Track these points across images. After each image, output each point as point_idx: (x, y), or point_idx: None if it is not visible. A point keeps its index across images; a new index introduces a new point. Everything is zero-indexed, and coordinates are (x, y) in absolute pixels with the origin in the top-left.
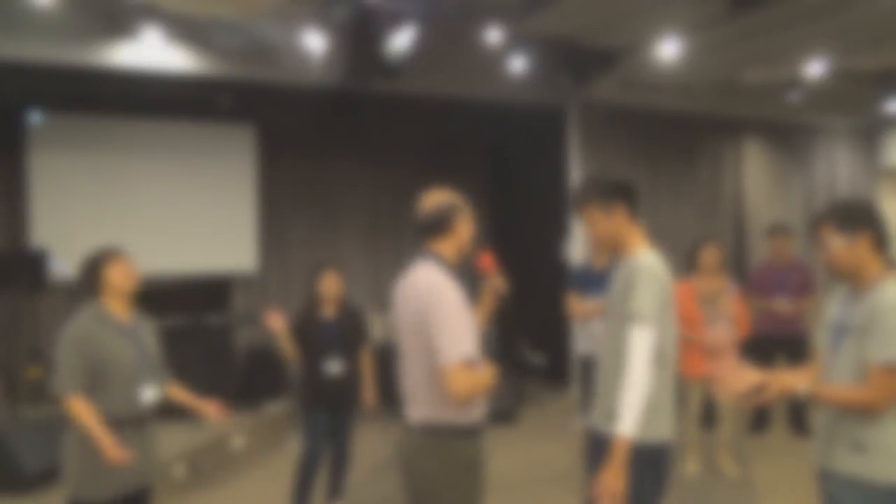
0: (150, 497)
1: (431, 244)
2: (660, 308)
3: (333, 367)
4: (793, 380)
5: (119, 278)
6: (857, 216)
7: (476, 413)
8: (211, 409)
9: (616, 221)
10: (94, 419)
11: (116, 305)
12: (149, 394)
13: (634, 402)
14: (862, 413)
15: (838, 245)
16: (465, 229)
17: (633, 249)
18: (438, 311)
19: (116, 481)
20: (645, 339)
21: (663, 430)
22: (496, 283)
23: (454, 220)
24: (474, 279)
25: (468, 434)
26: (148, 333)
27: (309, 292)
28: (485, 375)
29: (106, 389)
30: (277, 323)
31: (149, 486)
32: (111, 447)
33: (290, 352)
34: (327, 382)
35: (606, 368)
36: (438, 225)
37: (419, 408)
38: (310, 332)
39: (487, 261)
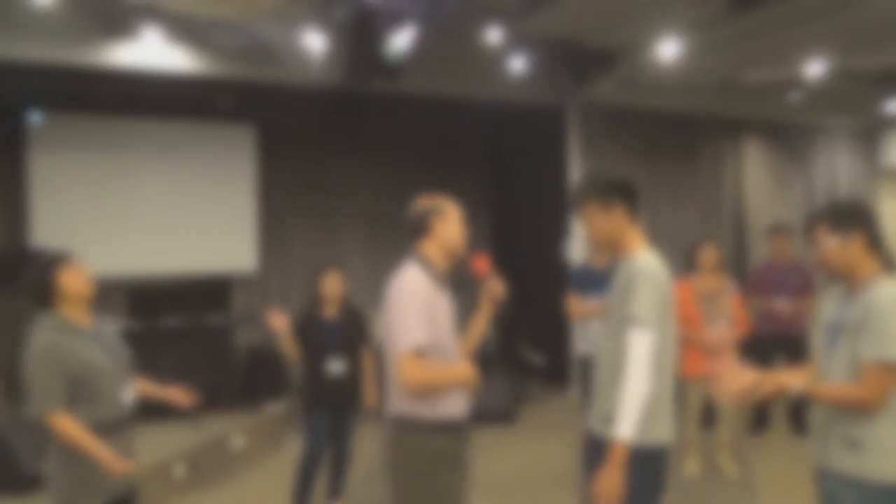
0: (137, 498)
1: (417, 246)
2: (659, 310)
3: (335, 366)
4: (787, 378)
5: (75, 284)
6: (850, 216)
7: (451, 408)
8: (179, 396)
9: (615, 221)
10: (83, 433)
11: (75, 312)
12: (127, 394)
13: (633, 406)
14: (856, 411)
15: (832, 245)
16: (446, 230)
17: (632, 249)
18: (396, 305)
19: (104, 489)
20: (644, 342)
21: (662, 433)
22: (493, 286)
23: (431, 222)
24: (473, 284)
25: (441, 429)
26: (111, 333)
27: (310, 292)
28: (450, 371)
29: (91, 398)
30: (280, 323)
31: (135, 487)
32: (109, 459)
33: (292, 351)
34: (329, 382)
35: (604, 370)
36: (417, 227)
37: (394, 402)
38: (312, 331)
39: (482, 264)
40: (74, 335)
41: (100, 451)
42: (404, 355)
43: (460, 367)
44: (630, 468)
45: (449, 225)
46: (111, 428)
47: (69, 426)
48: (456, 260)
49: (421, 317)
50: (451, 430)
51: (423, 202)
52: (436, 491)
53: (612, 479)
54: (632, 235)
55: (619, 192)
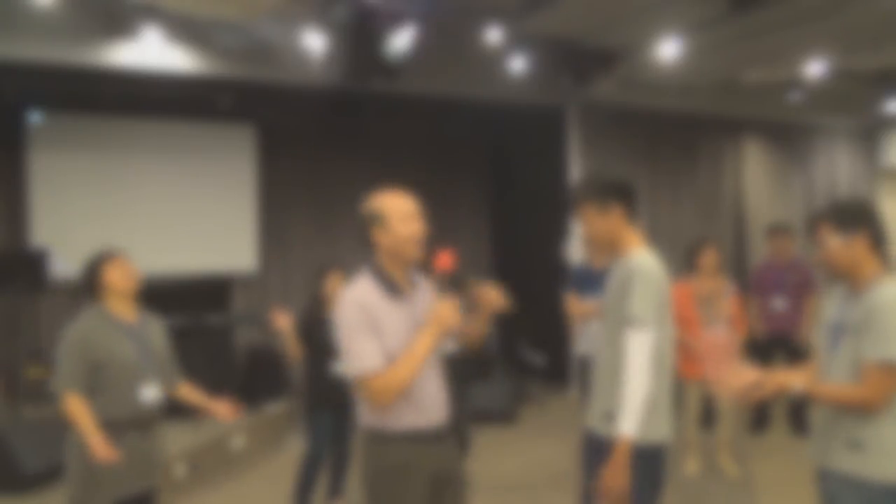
0: (155, 500)
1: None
2: (657, 309)
3: (339, 367)
4: (789, 378)
5: (117, 279)
6: (853, 215)
7: (409, 419)
8: (223, 410)
9: (612, 221)
10: (87, 418)
11: (119, 306)
12: (150, 393)
13: (635, 404)
14: (857, 411)
15: (835, 244)
16: (388, 239)
17: (630, 249)
18: (339, 326)
19: (118, 484)
20: (643, 341)
21: (660, 431)
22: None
23: (370, 235)
24: (459, 282)
25: (400, 440)
26: (155, 333)
27: (313, 293)
28: (413, 350)
29: (105, 390)
30: (284, 322)
31: (153, 489)
32: (99, 445)
33: (295, 352)
34: (332, 383)
35: (603, 370)
36: (364, 241)
37: (360, 413)
38: (316, 332)
39: (445, 260)
40: (110, 327)
41: (93, 436)
42: (361, 381)
43: (421, 337)
44: (630, 467)
45: (391, 231)
46: (123, 425)
47: (77, 409)
48: (411, 262)
49: (367, 337)
50: (416, 441)
51: (363, 210)
52: (395, 500)
53: (616, 476)
54: (630, 236)
55: (617, 193)
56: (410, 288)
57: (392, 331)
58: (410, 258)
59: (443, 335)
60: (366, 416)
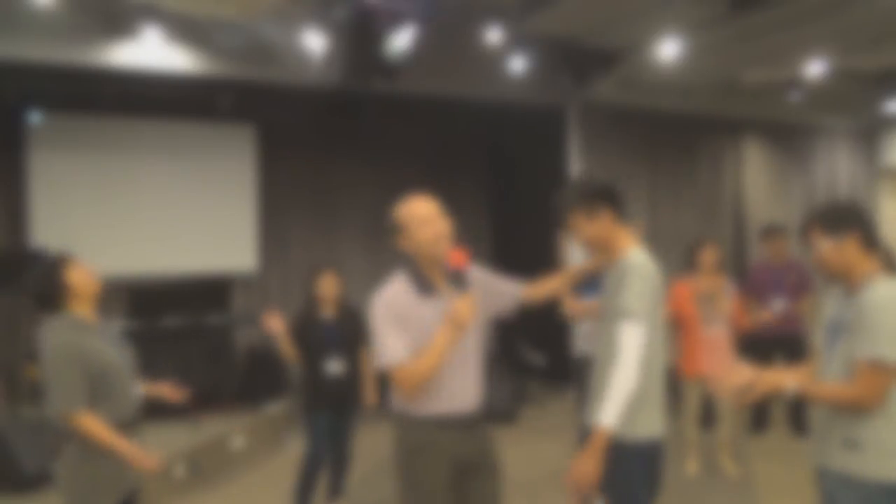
0: (141, 497)
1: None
2: (648, 303)
3: (335, 367)
4: (782, 378)
5: (83, 280)
6: (842, 218)
7: (432, 406)
8: (171, 392)
9: (602, 225)
10: (109, 431)
11: (85, 310)
12: (136, 391)
13: (619, 396)
14: (850, 410)
15: (826, 247)
16: (413, 243)
17: (623, 249)
18: (372, 321)
19: (116, 488)
20: (635, 335)
21: (653, 426)
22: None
23: (398, 242)
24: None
25: (423, 424)
26: (115, 331)
27: (308, 294)
28: (433, 347)
29: (109, 396)
30: (277, 325)
31: (140, 487)
32: (138, 455)
33: (291, 353)
34: (329, 383)
35: (600, 368)
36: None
37: (391, 399)
38: (310, 333)
39: (459, 258)
40: (89, 333)
41: (127, 448)
42: (391, 371)
43: (440, 333)
44: (623, 463)
45: (414, 237)
46: (126, 426)
47: (95, 425)
48: (442, 261)
49: (393, 332)
50: (438, 426)
51: (390, 219)
52: (413, 479)
53: (588, 465)
54: (622, 236)
55: (603, 196)
56: (446, 286)
57: (422, 327)
58: (439, 257)
59: (460, 331)
60: (395, 401)
